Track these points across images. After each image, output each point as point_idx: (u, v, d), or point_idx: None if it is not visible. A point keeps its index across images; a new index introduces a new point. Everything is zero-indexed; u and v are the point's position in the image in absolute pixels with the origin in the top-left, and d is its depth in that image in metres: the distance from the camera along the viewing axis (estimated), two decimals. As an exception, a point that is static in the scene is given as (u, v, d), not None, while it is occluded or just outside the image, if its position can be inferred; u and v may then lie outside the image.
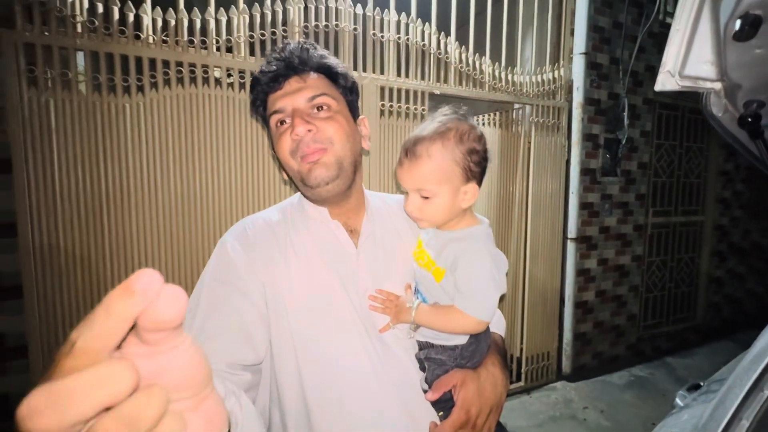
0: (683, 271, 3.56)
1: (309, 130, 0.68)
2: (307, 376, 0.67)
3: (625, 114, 2.90)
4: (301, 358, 0.67)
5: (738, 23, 0.28)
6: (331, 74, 0.74)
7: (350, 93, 0.77)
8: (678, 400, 0.94)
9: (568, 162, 2.82)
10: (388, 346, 0.71)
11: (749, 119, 0.33)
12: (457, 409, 0.65)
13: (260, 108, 0.75)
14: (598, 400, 2.67)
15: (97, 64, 1.59)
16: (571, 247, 2.84)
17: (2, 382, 1.54)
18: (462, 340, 0.71)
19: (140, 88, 1.66)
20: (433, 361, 0.69)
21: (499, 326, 0.85)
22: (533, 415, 2.50)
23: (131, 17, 1.63)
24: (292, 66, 0.71)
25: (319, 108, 0.70)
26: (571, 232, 2.84)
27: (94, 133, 1.59)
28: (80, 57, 1.59)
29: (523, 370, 2.77)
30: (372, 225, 0.79)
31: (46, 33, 1.51)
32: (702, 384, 0.93)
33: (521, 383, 2.76)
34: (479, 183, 0.71)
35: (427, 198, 0.68)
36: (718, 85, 0.32)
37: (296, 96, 0.69)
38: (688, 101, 3.25)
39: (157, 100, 1.68)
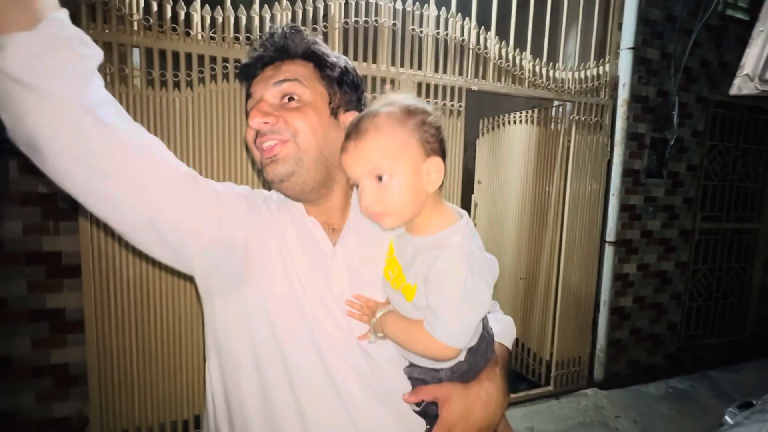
0: (732, 280, 3.34)
1: (266, 122, 0.62)
2: (270, 380, 0.62)
3: (675, 113, 2.73)
4: (264, 360, 0.62)
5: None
6: (318, 62, 0.67)
7: (339, 85, 0.68)
8: (728, 418, 0.89)
9: (609, 162, 2.70)
10: (370, 355, 0.65)
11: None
12: (437, 428, 0.60)
13: (248, 87, 0.70)
14: (632, 409, 2.58)
15: (150, 60, 1.68)
16: (609, 250, 2.73)
17: (61, 353, 1.69)
18: (443, 364, 0.63)
19: (189, 83, 1.74)
20: (415, 380, 0.65)
21: (506, 336, 0.75)
22: (562, 420, 2.45)
23: (182, 15, 1.71)
24: (270, 54, 0.66)
25: (291, 99, 0.64)
26: (610, 235, 2.72)
27: (147, 126, 1.68)
28: (136, 53, 1.69)
29: (552, 375, 2.71)
30: (357, 225, 0.70)
31: (107, 30, 1.61)
32: (754, 402, 0.89)
33: (550, 387, 2.70)
34: (443, 159, 0.60)
35: (383, 181, 0.56)
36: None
37: (267, 82, 0.65)
38: (749, 100, 3.01)
39: (205, 95, 1.76)
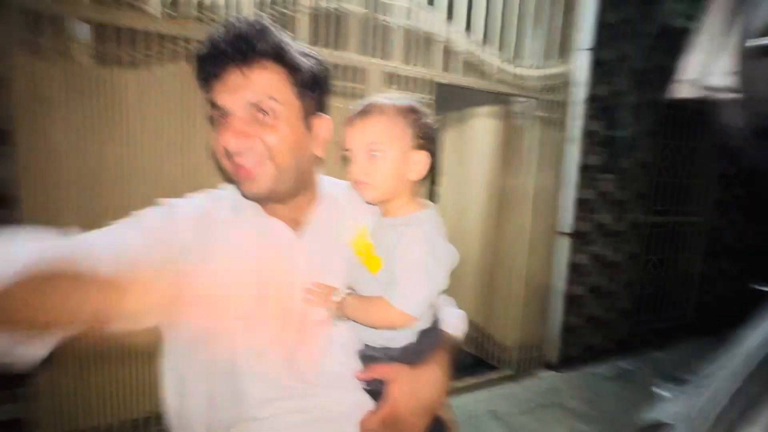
0: (678, 270, 3.62)
1: (240, 143, 0.61)
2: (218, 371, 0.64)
3: (629, 112, 2.90)
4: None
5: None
6: (288, 67, 0.63)
7: (310, 88, 0.66)
8: (662, 391, 0.97)
9: (566, 157, 2.84)
10: (324, 341, 0.68)
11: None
12: (383, 405, 0.64)
13: (205, 86, 0.65)
14: (586, 390, 2.75)
15: (103, 36, 1.57)
16: (564, 242, 2.88)
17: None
18: (396, 343, 0.67)
19: (146, 63, 1.64)
20: (367, 358, 0.68)
21: (457, 328, 0.81)
22: (522, 402, 2.57)
23: (139, -10, 1.60)
24: (234, 54, 0.59)
25: (263, 111, 0.61)
26: (565, 227, 2.87)
27: (96, 107, 1.58)
28: (87, 29, 1.57)
29: (512, 359, 2.83)
30: (321, 216, 0.73)
31: (56, 4, 1.48)
32: (686, 377, 0.97)
33: (510, 372, 2.83)
34: (432, 157, 0.68)
35: (374, 157, 0.65)
36: (739, 96, 0.32)
37: (236, 96, 0.60)
38: (696, 102, 3.24)
39: (162, 75, 1.66)
